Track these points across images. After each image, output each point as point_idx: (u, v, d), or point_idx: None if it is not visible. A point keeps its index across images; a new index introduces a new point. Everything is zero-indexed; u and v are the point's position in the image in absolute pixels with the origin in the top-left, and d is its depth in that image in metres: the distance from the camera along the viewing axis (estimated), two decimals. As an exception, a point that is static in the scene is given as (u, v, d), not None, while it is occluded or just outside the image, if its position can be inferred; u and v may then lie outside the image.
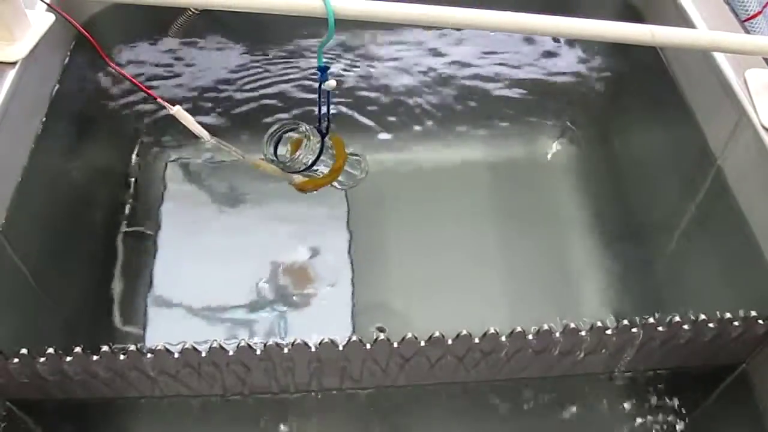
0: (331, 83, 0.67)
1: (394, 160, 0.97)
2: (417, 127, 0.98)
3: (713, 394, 0.69)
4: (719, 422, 0.68)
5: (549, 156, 0.96)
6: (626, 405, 0.70)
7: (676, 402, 0.70)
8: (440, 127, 0.97)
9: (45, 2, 0.69)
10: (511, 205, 0.92)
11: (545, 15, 0.60)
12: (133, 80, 0.69)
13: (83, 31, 0.69)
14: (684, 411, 0.69)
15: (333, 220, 0.91)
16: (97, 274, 0.83)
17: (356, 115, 0.95)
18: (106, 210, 0.87)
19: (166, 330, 0.82)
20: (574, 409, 0.70)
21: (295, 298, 0.87)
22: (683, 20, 0.76)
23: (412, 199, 0.93)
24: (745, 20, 0.79)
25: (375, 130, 0.97)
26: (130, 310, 0.81)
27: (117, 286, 0.83)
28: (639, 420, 0.69)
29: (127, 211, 0.89)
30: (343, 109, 0.95)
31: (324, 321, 0.85)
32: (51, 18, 0.72)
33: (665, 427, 0.69)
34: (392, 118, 0.97)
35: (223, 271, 0.87)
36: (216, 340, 0.59)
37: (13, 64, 0.67)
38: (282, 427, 0.69)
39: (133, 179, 0.92)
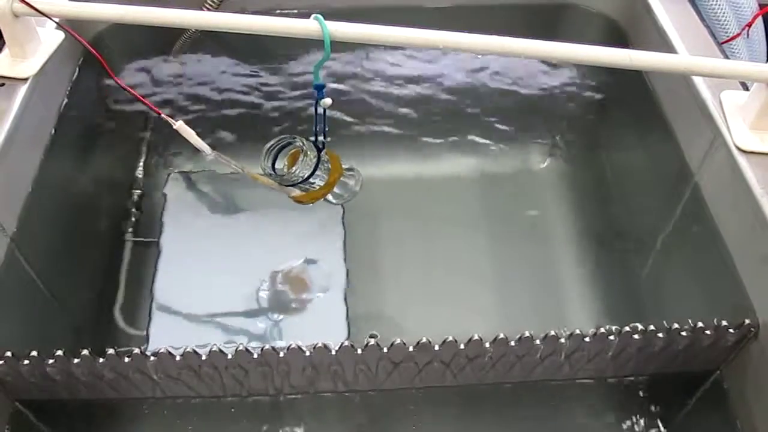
0: (327, 101, 0.70)
1: (388, 173, 1.00)
2: (411, 141, 1.01)
3: (691, 401, 0.72)
4: (697, 428, 0.71)
5: (539, 170, 1.00)
6: (606, 411, 0.72)
7: (655, 408, 0.73)
8: (434, 141, 1.01)
9: (54, 21, 0.73)
10: (501, 218, 0.96)
11: (530, 39, 0.64)
12: (138, 96, 0.72)
13: (91, 48, 0.72)
14: (663, 417, 0.72)
15: (329, 230, 0.94)
16: (102, 280, 0.86)
17: (351, 127, 0.99)
18: (111, 219, 0.91)
19: (168, 334, 0.84)
20: (555, 413, 0.72)
21: (291, 305, 0.90)
22: (664, 42, 0.79)
23: (406, 211, 0.96)
24: (723, 42, 0.82)
25: (370, 141, 1.00)
26: (133, 314, 0.84)
27: (121, 292, 0.86)
28: (618, 426, 0.72)
29: (131, 219, 0.92)
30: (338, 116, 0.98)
31: (319, 328, 0.87)
32: (60, 35, 0.75)
33: None
34: (387, 130, 1.00)
35: (223, 279, 0.90)
36: (215, 344, 0.62)
37: (25, 80, 0.71)
38: (279, 426, 0.72)
39: (137, 189, 0.95)
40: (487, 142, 1.01)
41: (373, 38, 0.66)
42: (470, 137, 1.00)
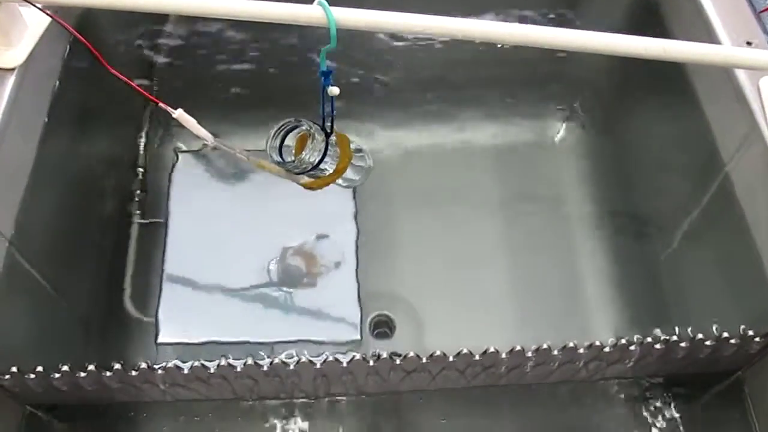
0: (335, 90, 0.66)
1: (401, 144, 0.96)
2: (424, 111, 0.96)
3: (709, 401, 0.70)
4: (713, 426, 0.70)
5: (556, 142, 0.95)
6: (622, 408, 0.72)
7: (672, 407, 0.72)
8: (448, 111, 0.96)
9: (37, 7, 0.67)
10: (516, 191, 0.92)
11: (555, 28, 0.58)
12: (133, 84, 0.68)
13: (79, 36, 0.67)
14: (680, 416, 0.71)
15: (340, 205, 0.92)
16: (109, 265, 0.84)
17: (363, 98, 0.94)
18: (115, 202, 0.87)
19: (179, 313, 0.84)
20: (571, 409, 0.72)
21: (302, 280, 0.88)
22: (695, 8, 0.73)
23: (418, 186, 0.93)
24: (762, 11, 0.76)
25: (381, 112, 0.96)
26: (143, 300, 0.83)
27: (129, 278, 0.84)
28: (635, 423, 0.71)
29: (136, 201, 0.89)
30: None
31: (330, 301, 0.87)
32: (48, 17, 0.70)
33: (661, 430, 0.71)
34: (399, 101, 0.95)
35: (233, 254, 0.88)
36: (224, 356, 0.61)
37: (12, 70, 0.66)
38: (289, 423, 0.72)
39: (141, 169, 0.91)
40: (505, 110, 0.96)
41: (383, 26, 0.60)
42: (487, 106, 0.95)
